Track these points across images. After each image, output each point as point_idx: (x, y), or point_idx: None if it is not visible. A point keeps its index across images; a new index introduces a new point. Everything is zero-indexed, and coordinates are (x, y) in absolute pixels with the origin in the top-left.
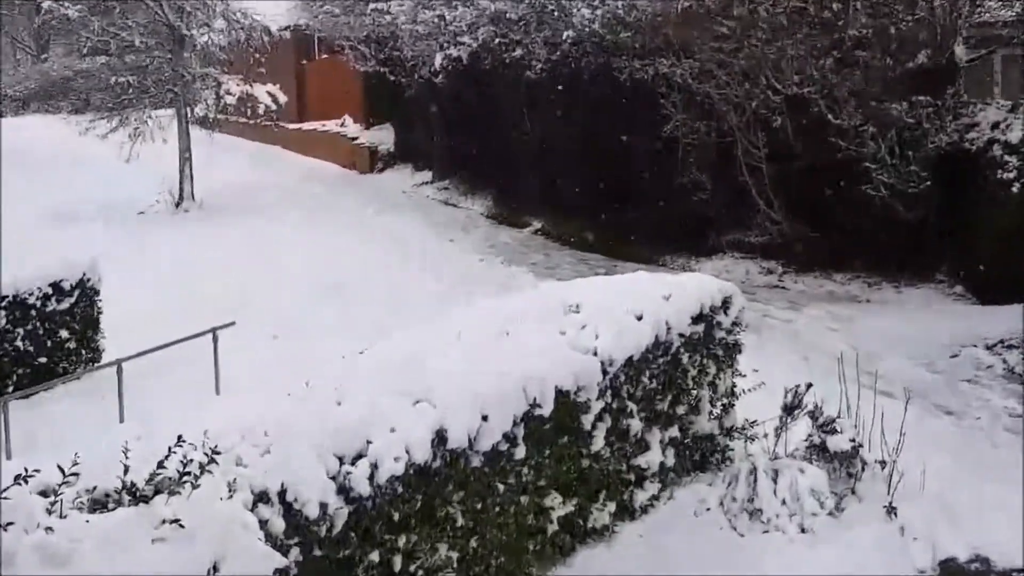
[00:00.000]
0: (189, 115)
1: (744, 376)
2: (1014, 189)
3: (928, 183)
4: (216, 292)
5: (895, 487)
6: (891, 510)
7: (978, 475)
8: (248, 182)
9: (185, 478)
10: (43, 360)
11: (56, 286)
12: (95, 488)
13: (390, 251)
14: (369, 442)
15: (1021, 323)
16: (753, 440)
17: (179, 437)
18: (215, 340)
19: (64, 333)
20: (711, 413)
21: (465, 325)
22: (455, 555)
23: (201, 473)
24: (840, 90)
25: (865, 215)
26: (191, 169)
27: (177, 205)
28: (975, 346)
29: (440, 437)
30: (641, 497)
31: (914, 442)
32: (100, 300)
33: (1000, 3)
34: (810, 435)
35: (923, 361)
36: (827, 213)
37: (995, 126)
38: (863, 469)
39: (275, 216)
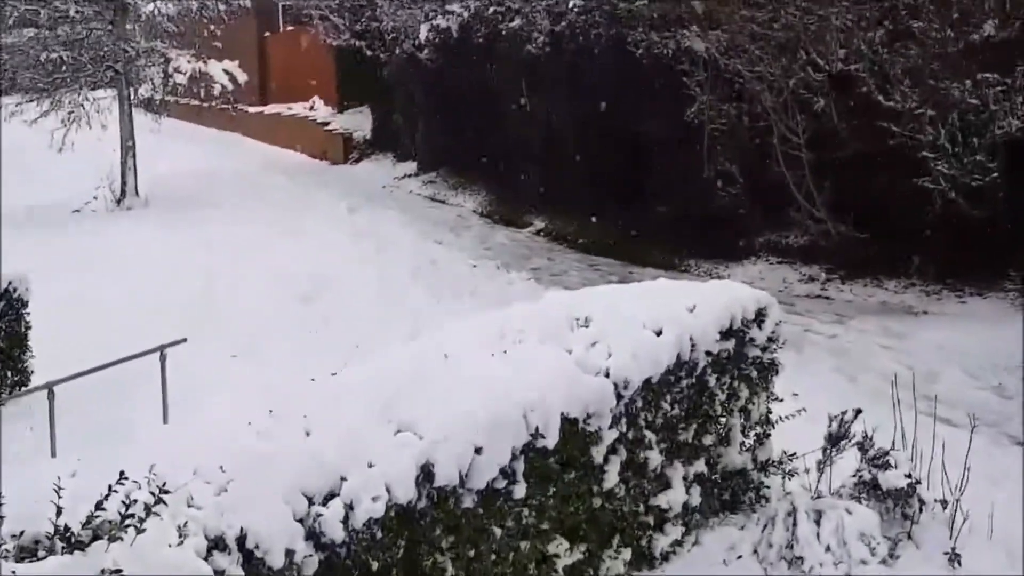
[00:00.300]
0: (132, 97)
1: (782, 401)
2: None
3: (995, 175)
4: (164, 303)
5: (958, 530)
6: (954, 557)
7: None
8: (201, 175)
9: (128, 521)
10: None
11: None
12: (22, 533)
13: (367, 256)
14: (343, 479)
15: None
16: (792, 476)
17: (121, 473)
18: (163, 359)
19: None
20: (743, 444)
21: (455, 342)
22: None
23: (146, 515)
24: (893, 67)
25: (922, 212)
26: (135, 160)
27: (118, 202)
28: None
29: (426, 473)
30: (662, 543)
31: (981, 478)
32: (28, 314)
33: None
34: (859, 470)
35: (991, 383)
36: (878, 210)
37: None
38: (921, 509)
39: (233, 215)
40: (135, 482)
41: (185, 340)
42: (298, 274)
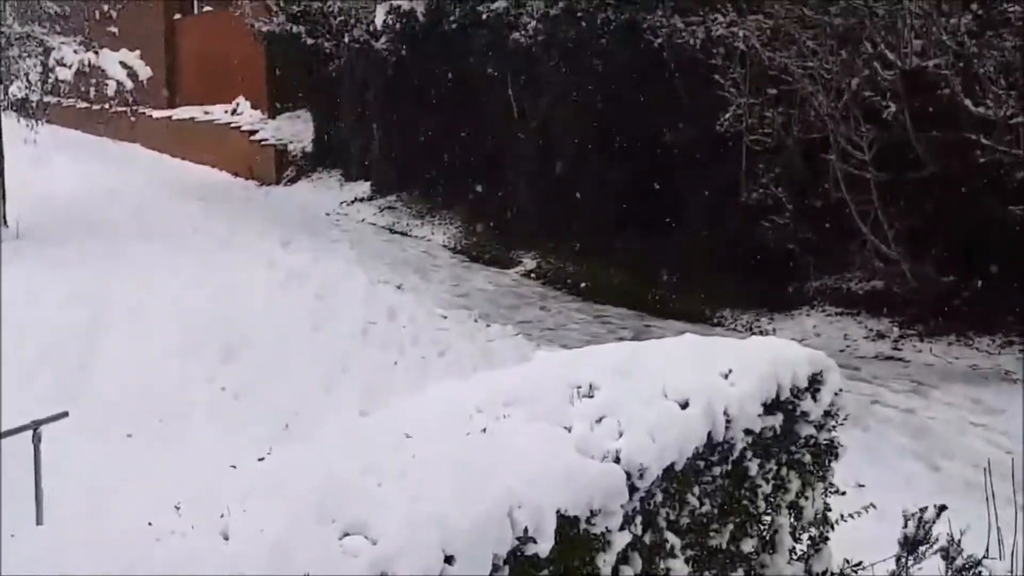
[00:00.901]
0: (2, 97)
1: (843, 494)
2: None
3: None
4: (38, 365)
5: None
6: None
7: None
8: (90, 199)
9: None
10: None
11: None
12: None
13: (305, 306)
14: None
15: None
16: None
17: None
18: (36, 440)
19: None
20: (794, 551)
21: (419, 419)
22: None
23: None
24: (983, 63)
25: (1022, 250)
26: (3, 180)
27: None
28: None
29: None
30: None
31: None
32: None
33: None
34: None
35: None
36: (966, 247)
37: None
38: None
39: (130, 251)
40: None
41: (66, 414)
42: (214, 329)
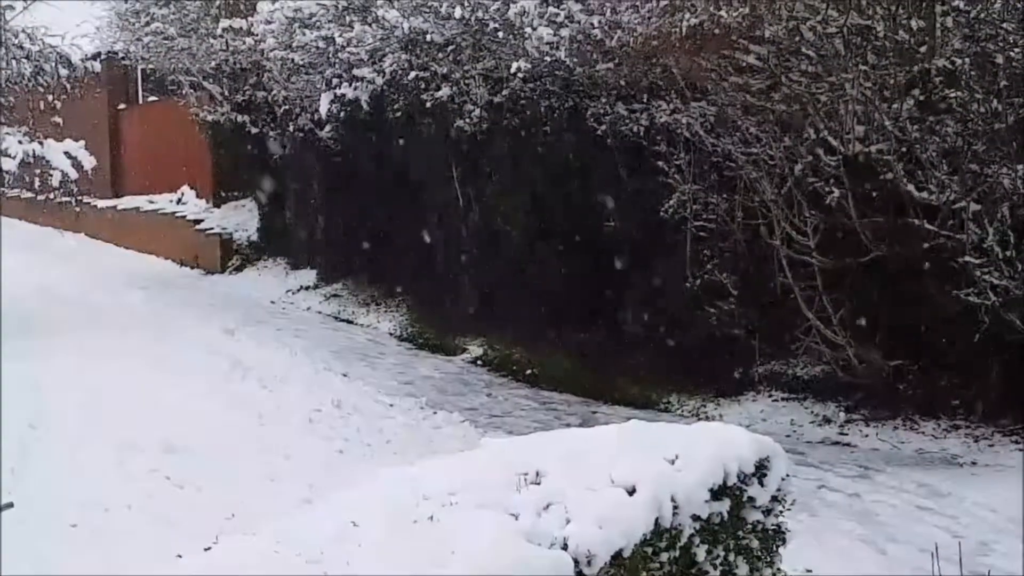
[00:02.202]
0: None
1: None
2: None
3: None
4: None
5: None
6: None
7: None
8: (31, 290)
9: None
10: None
11: None
12: None
13: (248, 396)
14: None
15: None
16: None
17: None
18: None
19: None
20: None
21: (366, 507)
22: None
23: None
24: (925, 148)
25: (967, 334)
26: None
27: None
28: None
29: None
30: None
31: None
32: None
33: None
34: None
35: None
36: (910, 332)
37: None
38: None
39: (67, 346)
40: None
41: (11, 505)
42: (156, 419)
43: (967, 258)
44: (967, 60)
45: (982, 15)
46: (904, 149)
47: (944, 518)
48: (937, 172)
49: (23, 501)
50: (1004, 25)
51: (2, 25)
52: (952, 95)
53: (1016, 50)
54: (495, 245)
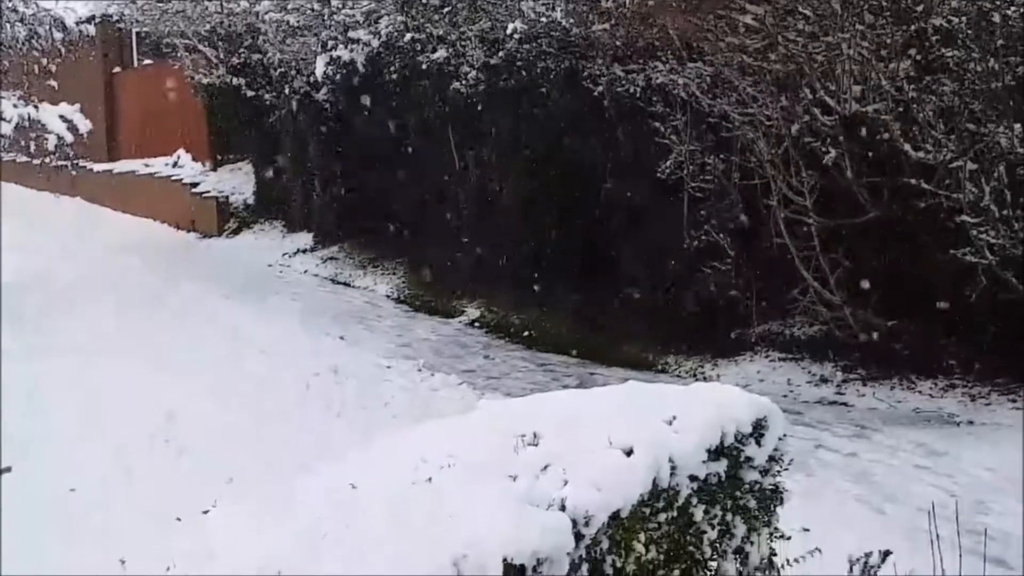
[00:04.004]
0: None
1: (788, 539)
2: None
3: None
4: None
5: None
6: None
7: None
8: (29, 254)
9: None
10: None
11: None
12: None
13: (248, 359)
14: None
15: None
16: None
17: None
18: None
19: None
20: None
21: (364, 470)
22: None
23: None
24: (922, 108)
25: (964, 293)
26: None
27: None
28: None
29: None
30: None
31: None
32: None
33: None
34: None
35: None
36: (907, 291)
37: None
38: None
39: (74, 306)
40: None
41: (9, 469)
42: (157, 385)
43: (964, 217)
44: (964, 19)
45: None
46: (901, 109)
47: (941, 477)
48: (934, 131)
49: (22, 468)
50: None
51: None
52: (949, 54)
53: (1013, 8)
54: (492, 207)
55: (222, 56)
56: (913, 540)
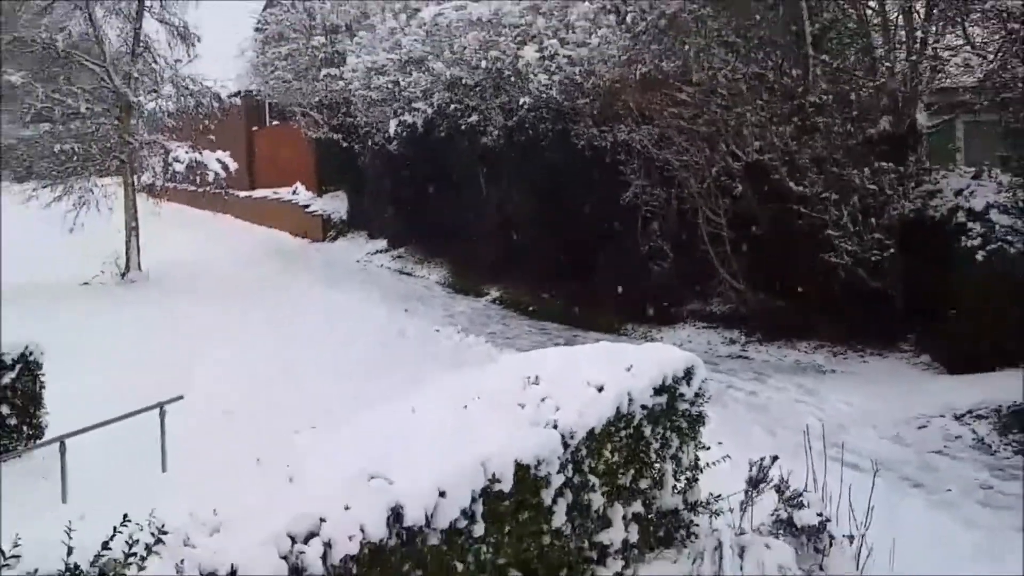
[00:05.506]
0: (136, 183)
1: (708, 449)
2: (979, 256)
3: (891, 251)
4: (163, 366)
5: (864, 563)
6: None
7: (950, 550)
8: (197, 251)
9: (131, 559)
10: None
11: None
12: (36, 571)
13: (344, 324)
14: (322, 520)
15: (991, 393)
16: (718, 515)
17: (124, 516)
18: (162, 415)
19: (4, 409)
20: (675, 487)
21: (425, 400)
22: None
23: (147, 554)
24: (801, 157)
25: (828, 283)
26: (137, 239)
27: (123, 275)
28: (943, 416)
29: (396, 515)
30: (605, 575)
31: (883, 516)
32: (43, 375)
33: (961, 69)
34: (776, 509)
35: (891, 433)
36: (790, 281)
37: (958, 193)
38: (831, 544)
39: (225, 286)
40: (137, 524)
41: (182, 397)
42: (281, 340)
43: (829, 231)
44: (830, 96)
45: (840, 66)
46: (787, 158)
47: (814, 409)
48: (809, 173)
49: (191, 396)
50: (856, 72)
51: (177, 74)
52: (820, 121)
53: (863, 91)
54: (508, 223)
55: (326, 119)
56: (795, 452)
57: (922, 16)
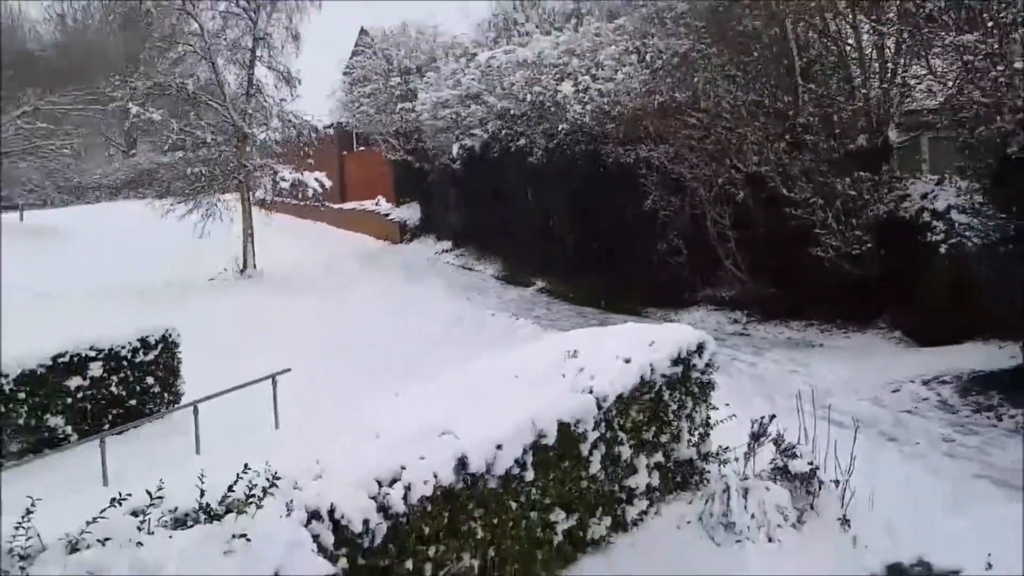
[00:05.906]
0: (251, 198)
1: (717, 409)
2: (942, 249)
3: (869, 245)
4: (275, 345)
5: (848, 503)
6: (845, 522)
7: (919, 493)
8: (301, 252)
9: (251, 500)
10: (133, 402)
11: (144, 341)
12: (176, 509)
13: (414, 310)
14: (403, 468)
15: (953, 363)
16: (726, 463)
17: (245, 466)
18: (274, 384)
19: (150, 380)
20: (690, 441)
21: (484, 370)
22: (476, 563)
23: (264, 496)
24: (792, 168)
25: (816, 273)
26: (253, 243)
27: (241, 272)
28: (913, 382)
29: (462, 463)
30: (632, 513)
31: (864, 465)
32: (180, 352)
33: (926, 94)
34: (774, 459)
35: (869, 396)
36: (784, 272)
37: (924, 196)
38: (820, 488)
39: (324, 279)
40: (255, 471)
41: (290, 370)
42: (371, 323)
43: (817, 230)
44: (816, 118)
45: (824, 93)
46: (780, 169)
47: (805, 377)
48: (800, 182)
49: (298, 367)
50: (838, 97)
51: (283, 110)
52: (808, 138)
53: (844, 113)
54: (550, 227)
55: (401, 144)
56: (789, 412)
57: (892, 51)
